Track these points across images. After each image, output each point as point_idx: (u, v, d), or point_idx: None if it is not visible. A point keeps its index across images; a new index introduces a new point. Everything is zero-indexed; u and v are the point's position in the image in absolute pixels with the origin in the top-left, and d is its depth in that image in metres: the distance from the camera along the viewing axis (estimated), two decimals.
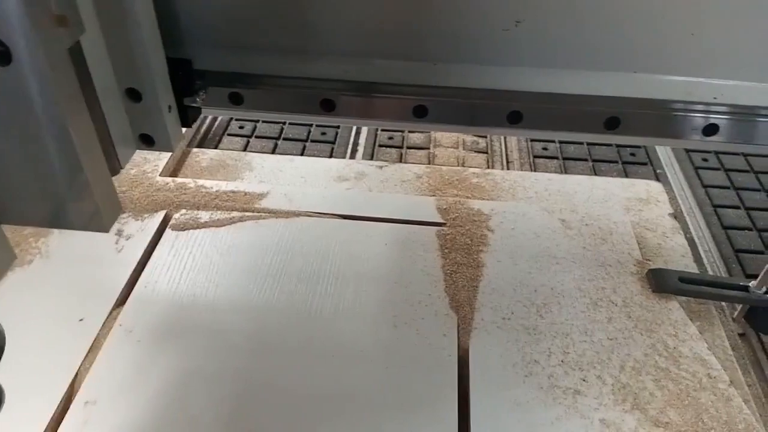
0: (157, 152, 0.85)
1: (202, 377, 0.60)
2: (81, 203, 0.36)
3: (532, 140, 1.02)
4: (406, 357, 0.63)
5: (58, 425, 0.56)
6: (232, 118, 1.03)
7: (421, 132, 1.03)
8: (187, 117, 0.48)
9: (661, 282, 0.71)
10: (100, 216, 0.36)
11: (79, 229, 0.37)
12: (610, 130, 0.46)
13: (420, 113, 0.46)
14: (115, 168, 0.45)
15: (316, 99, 0.47)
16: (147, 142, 0.47)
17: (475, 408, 0.58)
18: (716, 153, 1.00)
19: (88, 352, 0.62)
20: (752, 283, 0.70)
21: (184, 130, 0.49)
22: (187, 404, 0.57)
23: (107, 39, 0.40)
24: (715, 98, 0.46)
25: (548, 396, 0.60)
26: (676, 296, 0.70)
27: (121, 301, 0.67)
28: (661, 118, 0.47)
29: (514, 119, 0.46)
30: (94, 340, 0.63)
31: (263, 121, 1.02)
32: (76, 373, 0.60)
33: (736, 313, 0.73)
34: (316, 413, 0.57)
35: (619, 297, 0.70)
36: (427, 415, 0.58)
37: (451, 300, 0.69)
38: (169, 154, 0.87)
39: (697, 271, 0.76)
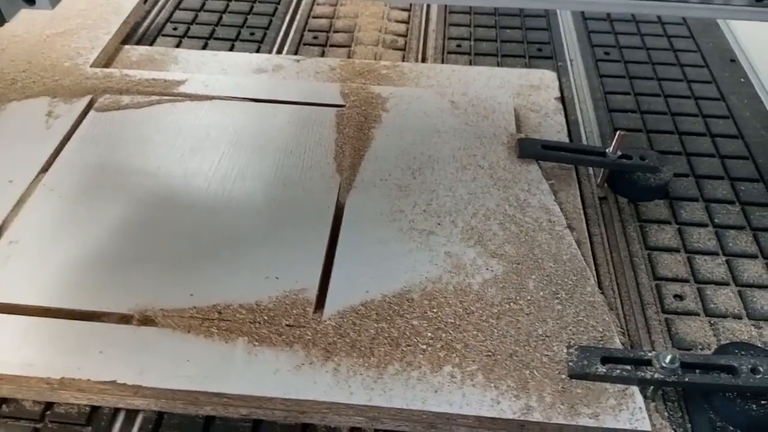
0: (91, 46, 0.93)
1: (111, 222, 0.70)
2: None
3: (449, 38, 1.09)
4: (291, 209, 0.73)
5: None
6: (167, 21, 1.10)
7: (345, 32, 1.09)
8: None
9: (525, 148, 0.79)
10: None
11: None
12: None
13: None
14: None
15: None
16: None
17: (341, 244, 0.68)
18: (620, 47, 1.07)
19: (14, 205, 0.72)
20: (608, 149, 0.79)
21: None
22: (96, 242, 0.68)
23: None
24: None
25: (406, 236, 0.69)
26: (538, 161, 0.79)
27: (47, 167, 0.77)
28: None
29: None
30: (20, 196, 0.73)
31: (197, 23, 1.09)
32: (3, 221, 0.70)
33: (599, 179, 0.82)
34: (204, 245, 0.68)
35: (487, 162, 0.79)
36: (300, 249, 0.68)
37: (338, 166, 0.78)
38: (101, 48, 0.95)
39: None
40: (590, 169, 0.83)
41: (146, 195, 0.74)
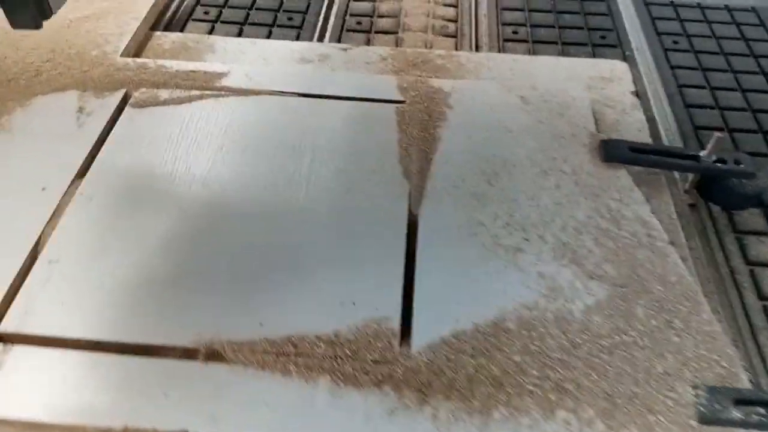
0: (119, 32, 0.85)
1: (159, 238, 0.62)
2: None
3: (503, 24, 1.01)
4: (359, 219, 0.65)
5: (22, 282, 0.59)
6: (197, 3, 1.01)
7: (390, 17, 1.01)
8: None
9: (611, 151, 0.72)
10: None
11: None
12: None
13: None
14: (45, 12, 0.45)
15: None
16: None
17: (420, 264, 0.61)
18: (688, 36, 0.99)
19: (51, 217, 0.64)
20: (702, 152, 0.72)
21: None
22: (144, 260, 0.60)
23: None
24: None
25: (490, 253, 0.62)
26: (625, 165, 0.72)
27: (83, 172, 0.69)
28: None
29: None
30: (57, 207, 0.65)
31: (229, 6, 1.01)
32: (39, 236, 0.62)
33: (687, 185, 0.75)
34: (269, 265, 0.60)
35: (569, 166, 0.71)
36: (376, 269, 0.60)
37: (405, 170, 0.70)
38: (131, 35, 0.87)
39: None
40: (675, 173, 0.76)
41: (195, 204, 0.66)
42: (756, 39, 0.99)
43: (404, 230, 0.64)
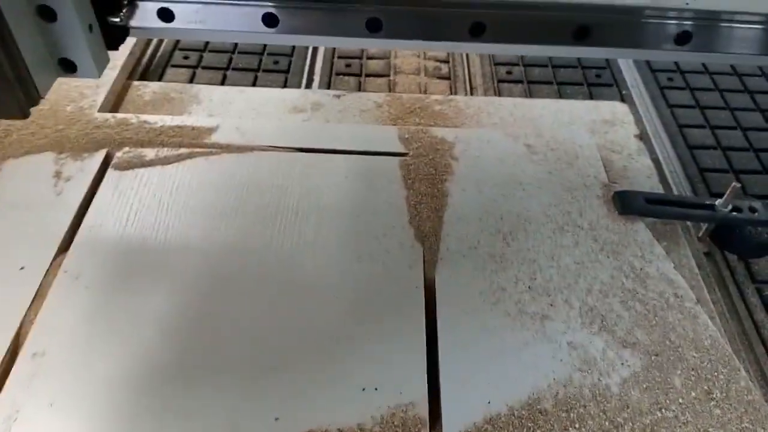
0: (95, 84, 0.79)
1: (157, 321, 0.57)
2: None
3: (496, 64, 0.98)
4: (372, 290, 0.61)
5: (4, 379, 0.52)
6: (175, 48, 0.96)
7: (380, 59, 0.98)
8: (113, 38, 0.42)
9: (627, 204, 0.69)
10: None
11: None
12: (579, 41, 0.43)
13: (374, 27, 0.42)
14: (33, 98, 0.40)
15: (257, 14, 0.42)
16: (68, 68, 0.42)
17: (443, 337, 0.57)
18: (681, 72, 0.98)
19: (33, 301, 0.58)
20: (718, 202, 0.70)
21: (112, 55, 0.44)
22: (142, 350, 0.54)
23: None
24: (687, 3, 0.43)
25: (516, 322, 0.59)
26: (642, 217, 0.69)
27: (65, 246, 0.63)
28: (633, 26, 0.43)
29: (477, 31, 0.42)
30: (38, 288, 0.59)
31: (210, 51, 0.96)
32: (21, 324, 0.56)
33: (701, 233, 0.73)
34: (280, 348, 0.55)
35: (586, 221, 0.68)
36: (396, 345, 0.56)
37: (416, 231, 0.66)
38: (108, 86, 0.81)
39: (662, 192, 0.76)
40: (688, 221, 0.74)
41: (192, 280, 0.60)
42: (749, 74, 0.99)
43: (422, 301, 0.60)
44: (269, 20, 0.41)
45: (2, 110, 0.38)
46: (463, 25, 0.42)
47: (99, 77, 0.42)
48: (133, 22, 0.42)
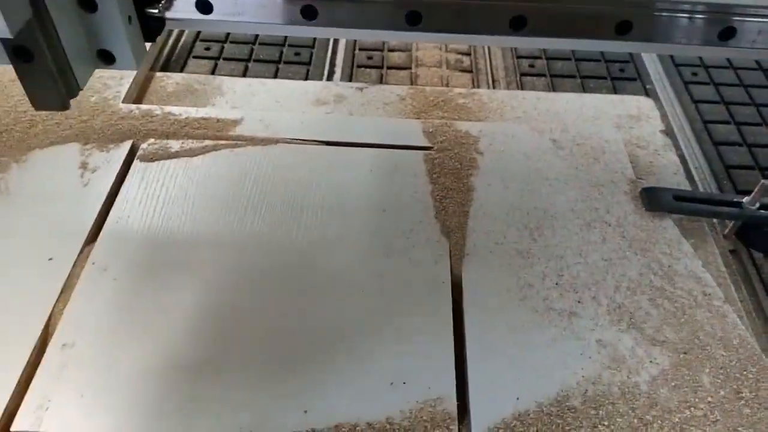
0: (119, 75, 0.79)
1: (184, 314, 0.57)
2: None
3: (518, 57, 0.98)
4: (400, 286, 0.61)
5: (35, 370, 0.53)
6: (196, 39, 0.95)
7: (402, 51, 0.97)
8: (151, 30, 0.42)
9: (655, 200, 0.69)
10: None
11: None
12: (621, 36, 0.42)
13: (413, 20, 0.41)
14: (73, 90, 0.40)
15: (296, 6, 0.41)
16: (106, 59, 0.42)
17: (470, 333, 0.57)
18: (705, 67, 0.97)
19: (61, 292, 0.58)
20: (745, 199, 0.69)
21: (148, 46, 0.44)
22: (170, 343, 0.55)
23: None
24: None
25: (544, 319, 0.58)
26: (669, 214, 0.69)
27: (92, 238, 0.63)
28: (674, 21, 0.43)
29: (518, 25, 0.42)
30: (66, 279, 0.59)
31: (231, 42, 0.95)
32: (50, 315, 0.56)
33: (726, 230, 0.72)
34: (308, 343, 0.55)
35: (613, 217, 0.68)
36: (423, 340, 0.56)
37: (442, 226, 0.66)
38: (131, 77, 0.81)
39: (689, 189, 0.75)
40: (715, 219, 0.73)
41: (220, 273, 0.61)
42: None
43: (449, 296, 0.60)
44: (308, 12, 0.41)
45: (43, 103, 0.38)
46: (504, 18, 0.41)
47: (137, 69, 0.42)
48: (170, 14, 0.42)
